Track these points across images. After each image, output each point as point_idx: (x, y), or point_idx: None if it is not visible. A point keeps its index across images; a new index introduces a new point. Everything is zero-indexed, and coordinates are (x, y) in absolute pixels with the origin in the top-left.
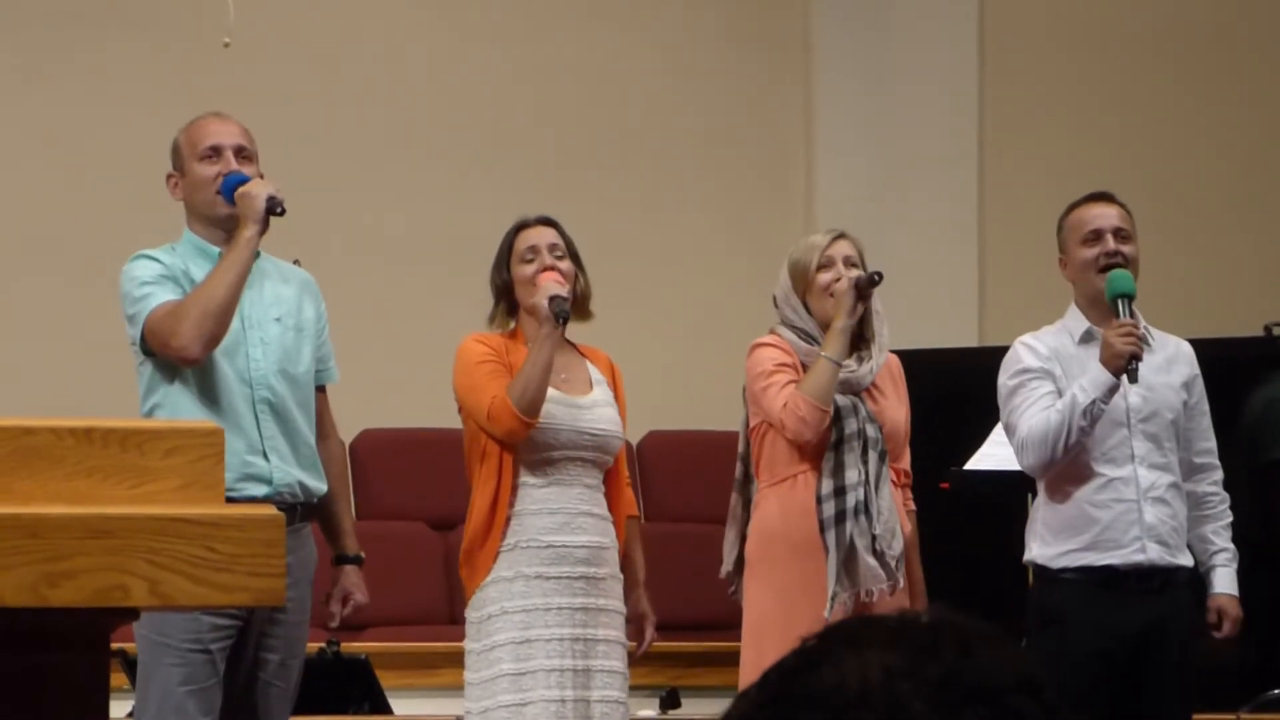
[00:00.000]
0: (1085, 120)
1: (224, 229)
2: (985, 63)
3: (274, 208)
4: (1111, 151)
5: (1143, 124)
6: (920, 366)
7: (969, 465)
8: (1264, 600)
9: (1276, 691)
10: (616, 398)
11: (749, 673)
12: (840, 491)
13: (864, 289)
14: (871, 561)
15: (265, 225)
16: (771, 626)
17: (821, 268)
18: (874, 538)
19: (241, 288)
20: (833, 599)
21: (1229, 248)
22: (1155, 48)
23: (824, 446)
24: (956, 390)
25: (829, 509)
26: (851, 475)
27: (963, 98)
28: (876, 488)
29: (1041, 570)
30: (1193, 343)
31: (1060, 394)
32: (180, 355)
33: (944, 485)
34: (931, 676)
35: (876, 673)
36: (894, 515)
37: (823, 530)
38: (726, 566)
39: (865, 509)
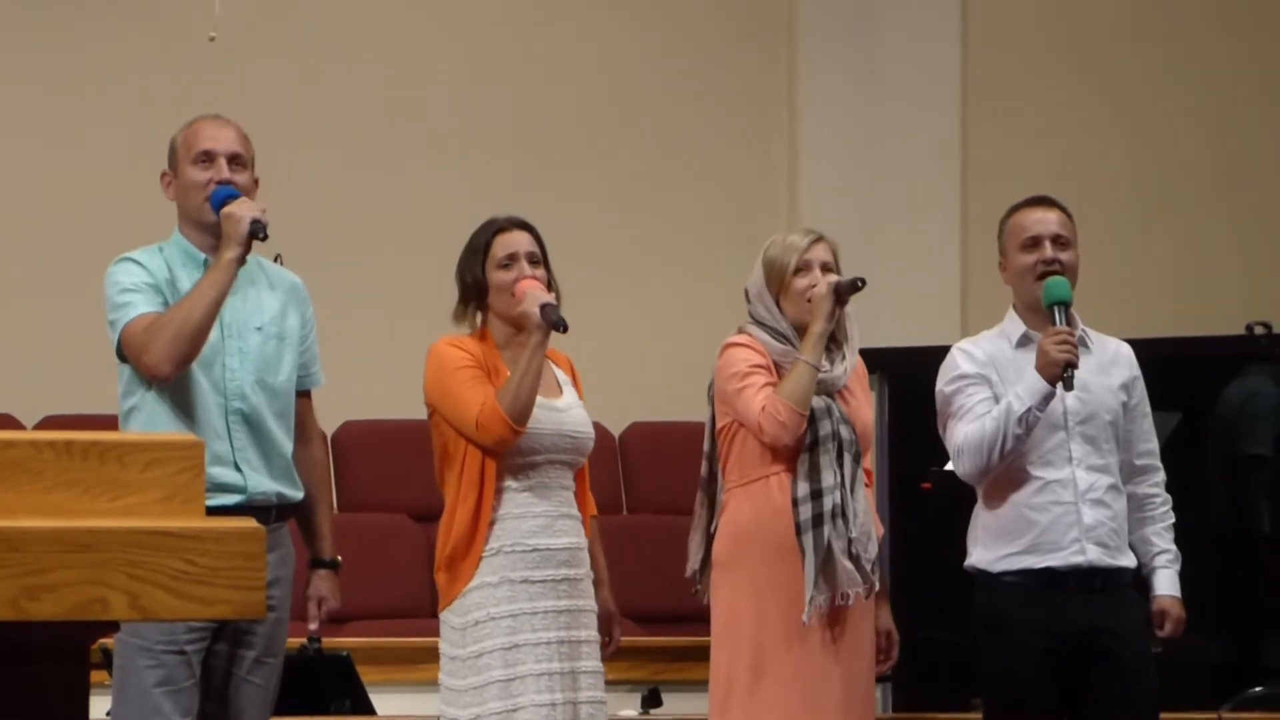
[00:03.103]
0: (1070, 111)
1: (213, 235)
2: (969, 53)
3: (257, 232)
4: (1095, 144)
5: (1127, 118)
6: (903, 364)
7: (950, 465)
8: (1244, 596)
9: (1258, 689)
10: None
11: (720, 675)
12: (817, 494)
13: (844, 294)
14: (848, 565)
15: (248, 248)
16: (744, 628)
17: (799, 271)
18: (850, 541)
19: (218, 309)
20: (810, 602)
21: (1213, 244)
22: (1140, 37)
23: (798, 448)
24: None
25: (805, 512)
26: (828, 478)
27: (947, 88)
28: (852, 490)
29: (983, 575)
30: (1174, 340)
31: (997, 400)
32: (150, 373)
33: (925, 486)
34: None
35: None
36: (869, 518)
37: (799, 533)
38: (692, 566)
39: (842, 512)
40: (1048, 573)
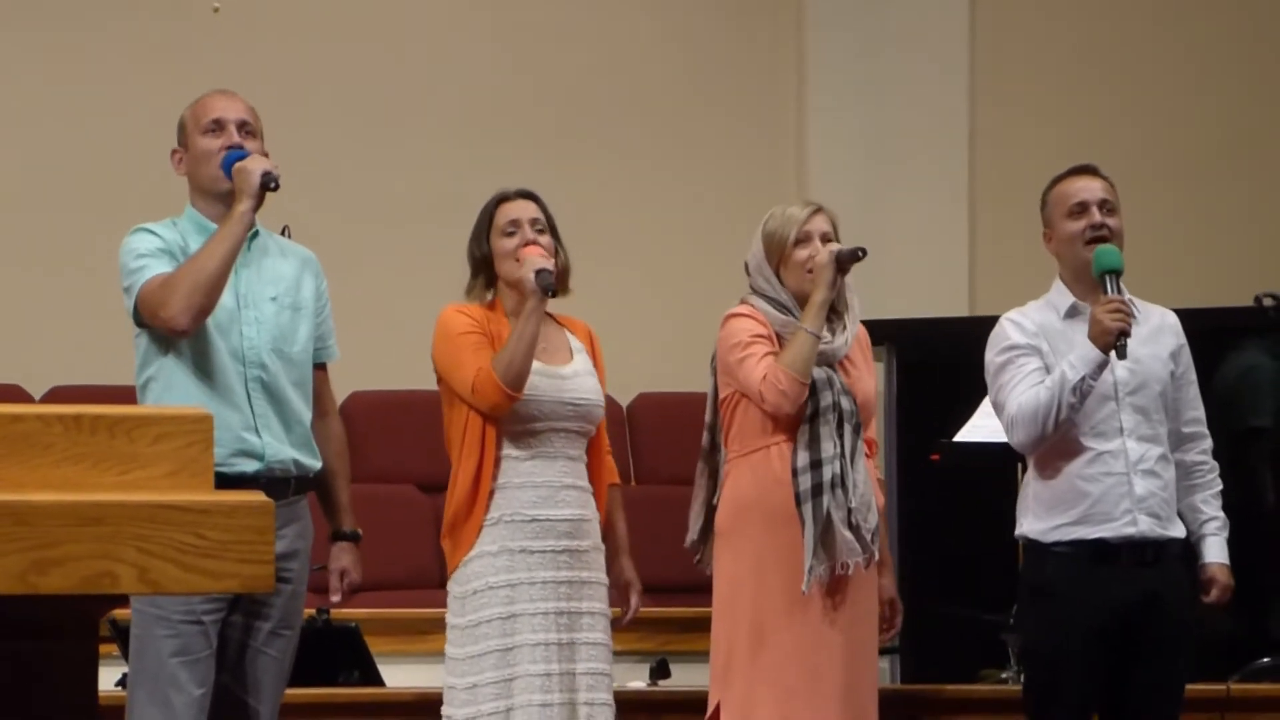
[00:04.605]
0: (1077, 87)
1: (225, 205)
2: (977, 27)
3: (268, 183)
4: (1103, 119)
5: (1135, 91)
6: (911, 336)
7: (959, 437)
8: (1250, 568)
9: (1266, 660)
10: (596, 366)
11: (721, 645)
12: (816, 464)
13: (845, 263)
14: (848, 534)
15: (260, 200)
16: (744, 598)
17: (799, 242)
18: (850, 511)
19: (233, 261)
20: (809, 572)
21: (1221, 217)
22: (1148, 13)
23: (799, 418)
24: (947, 361)
25: (805, 482)
26: (828, 448)
27: (954, 63)
28: (852, 461)
29: (1033, 545)
30: (1182, 312)
31: (1048, 370)
32: (169, 326)
33: (934, 457)
34: None
35: None
36: (869, 488)
37: (799, 503)
38: (692, 536)
39: (841, 482)
40: (1099, 544)
